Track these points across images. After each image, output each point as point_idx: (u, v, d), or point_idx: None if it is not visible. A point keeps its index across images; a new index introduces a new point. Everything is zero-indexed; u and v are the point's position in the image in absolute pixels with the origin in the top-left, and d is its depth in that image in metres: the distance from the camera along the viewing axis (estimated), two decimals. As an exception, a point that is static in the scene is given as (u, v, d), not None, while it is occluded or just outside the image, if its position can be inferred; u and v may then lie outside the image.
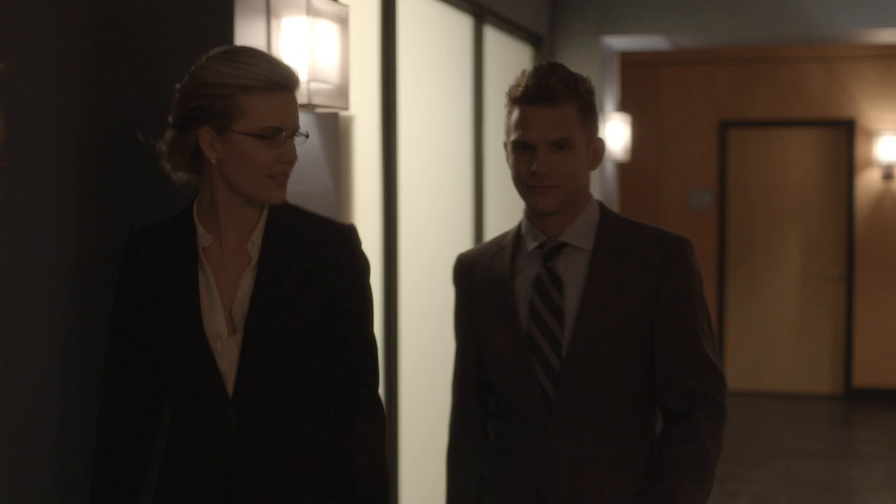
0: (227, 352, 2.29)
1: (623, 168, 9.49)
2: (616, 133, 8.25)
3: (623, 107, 9.21)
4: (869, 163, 10.59)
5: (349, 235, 2.39)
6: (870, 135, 10.58)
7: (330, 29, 3.23)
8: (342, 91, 3.34)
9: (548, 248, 2.56)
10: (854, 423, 9.58)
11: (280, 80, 2.27)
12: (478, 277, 2.64)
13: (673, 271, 2.53)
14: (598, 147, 2.56)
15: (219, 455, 2.31)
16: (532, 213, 2.58)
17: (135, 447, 2.41)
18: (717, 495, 6.93)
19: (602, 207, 2.60)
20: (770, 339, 10.84)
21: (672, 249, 2.54)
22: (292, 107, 2.30)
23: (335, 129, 3.63)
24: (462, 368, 2.74)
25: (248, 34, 3.04)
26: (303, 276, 2.33)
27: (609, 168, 8.21)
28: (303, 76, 3.14)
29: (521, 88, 2.50)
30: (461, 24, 6.06)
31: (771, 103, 10.77)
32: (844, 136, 10.66)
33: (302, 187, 3.37)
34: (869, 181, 10.61)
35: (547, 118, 2.46)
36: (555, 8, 7.80)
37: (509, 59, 6.89)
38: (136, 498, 2.44)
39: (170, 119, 2.32)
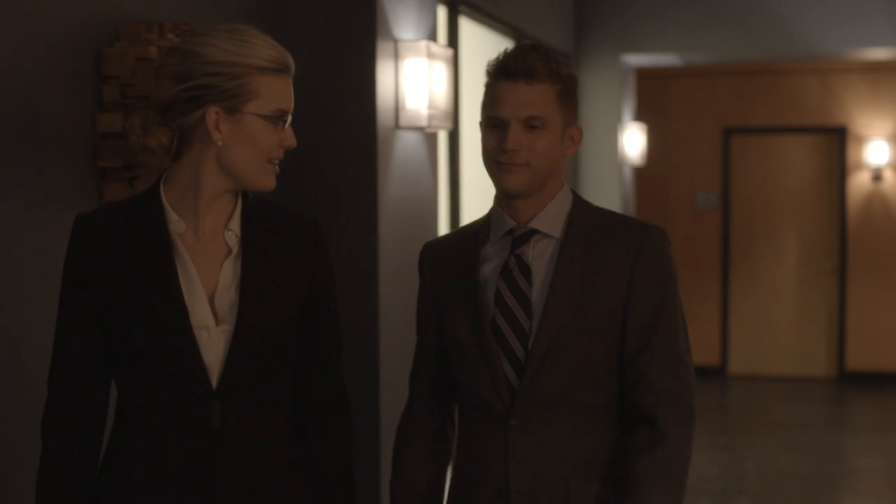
0: (212, 343, 2.13)
1: (636, 172, 10.13)
2: (633, 140, 9.08)
3: (635, 116, 9.94)
4: (859, 166, 11.10)
5: (319, 227, 2.29)
6: (860, 140, 11.09)
7: (441, 67, 4.16)
8: (448, 115, 4.28)
9: (516, 234, 2.40)
10: (847, 402, 10.31)
11: (288, 62, 2.16)
12: (445, 265, 2.48)
13: (646, 261, 2.37)
14: (574, 134, 2.39)
15: (200, 450, 2.14)
16: (501, 197, 2.41)
17: (89, 445, 2.21)
18: (727, 460, 7.78)
19: (575, 195, 2.45)
20: (770, 327, 11.36)
21: (646, 238, 2.38)
22: (291, 91, 2.19)
23: (435, 145, 4.56)
24: (419, 363, 2.56)
25: (383, 71, 3.97)
26: (284, 267, 2.21)
27: (627, 172, 9.05)
28: (422, 103, 4.08)
29: (499, 62, 2.34)
30: (503, 46, 6.95)
31: (770, 112, 11.24)
32: (837, 141, 11.16)
33: (416, 191, 4.30)
34: (859, 183, 11.12)
35: (522, 94, 2.29)
36: (579, 29, 8.64)
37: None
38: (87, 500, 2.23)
39: (155, 98, 2.14)
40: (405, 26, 4.14)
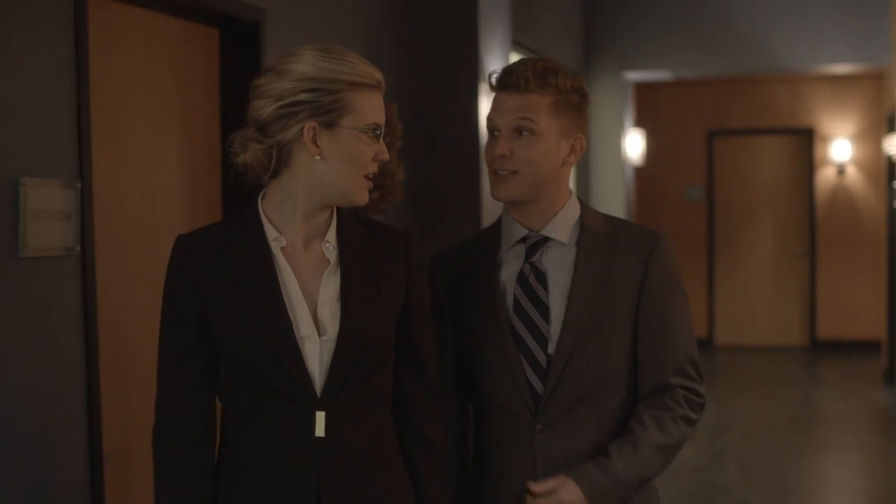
0: (315, 353, 2.10)
1: (635, 171, 11.38)
2: (634, 144, 10.60)
3: (635, 122, 11.25)
4: (825, 162, 12.37)
5: (412, 240, 2.26)
6: (825, 140, 12.36)
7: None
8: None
9: (530, 242, 2.38)
10: (818, 364, 11.82)
11: (379, 78, 2.14)
12: (456, 274, 2.44)
13: (656, 265, 2.38)
14: (576, 144, 2.37)
15: (307, 459, 2.09)
16: (508, 205, 2.41)
17: (200, 464, 2.15)
18: (718, 407, 9.27)
19: (582, 203, 2.44)
20: (750, 303, 12.65)
21: (654, 244, 2.39)
22: (383, 106, 2.17)
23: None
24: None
25: (482, 105, 5.58)
26: (381, 278, 2.17)
27: (628, 171, 10.56)
28: (508, 127, 5.70)
29: (497, 75, 2.36)
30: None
31: (747, 116, 12.50)
32: (805, 141, 12.41)
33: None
34: (825, 177, 12.39)
35: (512, 103, 2.30)
36: (588, 52, 10.14)
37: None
38: None
39: (252, 117, 2.12)
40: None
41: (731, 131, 12.67)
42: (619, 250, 2.38)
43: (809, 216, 12.50)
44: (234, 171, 2.15)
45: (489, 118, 2.35)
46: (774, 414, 9.18)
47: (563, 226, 2.39)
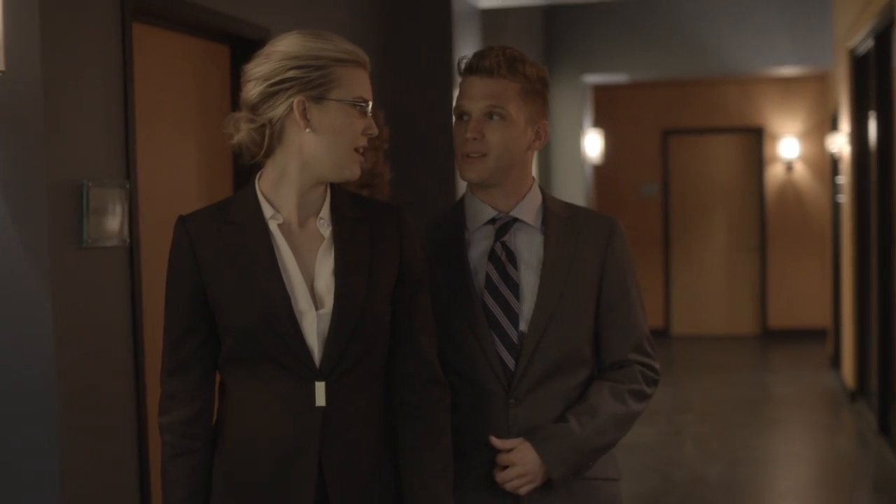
0: (313, 326, 2.14)
1: (594, 169, 11.86)
2: (592, 143, 11.06)
3: (594, 123, 11.74)
4: (774, 159, 12.72)
5: (405, 215, 2.28)
6: (774, 138, 12.71)
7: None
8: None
9: (500, 223, 2.43)
10: (768, 351, 12.29)
11: (364, 57, 2.19)
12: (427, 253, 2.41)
13: (615, 248, 2.46)
14: (541, 130, 2.43)
15: (309, 429, 2.14)
16: (475, 187, 2.45)
17: (202, 434, 2.21)
18: (675, 391, 9.74)
19: (542, 190, 2.51)
20: (704, 295, 13.04)
21: (612, 228, 2.47)
22: (369, 83, 2.20)
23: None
24: None
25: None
26: (374, 252, 2.20)
27: (588, 170, 11.02)
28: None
29: (467, 61, 2.40)
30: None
31: (700, 116, 12.85)
32: (755, 139, 12.77)
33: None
34: (775, 174, 12.75)
35: (483, 87, 2.35)
36: (548, 55, 10.57)
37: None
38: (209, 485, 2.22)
39: (244, 99, 2.16)
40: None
41: (684, 131, 12.96)
42: (582, 233, 2.46)
43: (760, 211, 12.81)
44: (234, 153, 2.21)
45: (459, 103, 2.41)
46: (728, 396, 9.64)
47: (529, 209, 2.46)
